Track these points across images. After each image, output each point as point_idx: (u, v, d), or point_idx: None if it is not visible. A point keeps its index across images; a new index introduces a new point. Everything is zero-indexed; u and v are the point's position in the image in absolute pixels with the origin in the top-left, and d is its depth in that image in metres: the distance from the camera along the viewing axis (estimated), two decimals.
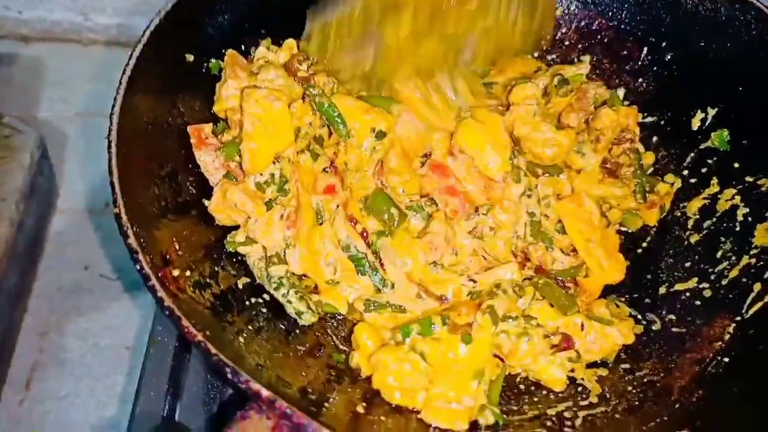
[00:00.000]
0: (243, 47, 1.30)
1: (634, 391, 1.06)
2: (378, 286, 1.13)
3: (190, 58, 1.19)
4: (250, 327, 1.02)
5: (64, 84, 2.04)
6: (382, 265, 1.12)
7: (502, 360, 1.06)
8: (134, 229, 0.88)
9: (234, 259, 1.12)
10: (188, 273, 0.98)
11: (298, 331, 1.09)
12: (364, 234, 1.15)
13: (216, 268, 1.08)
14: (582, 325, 1.07)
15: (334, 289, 1.13)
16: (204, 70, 1.22)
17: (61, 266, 1.73)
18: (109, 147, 0.95)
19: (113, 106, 1.00)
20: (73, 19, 2.10)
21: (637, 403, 1.04)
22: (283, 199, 1.10)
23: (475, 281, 1.10)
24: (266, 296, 1.11)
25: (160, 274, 0.87)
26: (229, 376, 0.76)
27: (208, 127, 1.18)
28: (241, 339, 0.97)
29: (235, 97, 1.17)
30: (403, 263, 1.12)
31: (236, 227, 1.12)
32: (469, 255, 1.15)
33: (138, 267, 0.83)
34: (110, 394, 1.55)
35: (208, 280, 1.03)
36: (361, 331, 1.07)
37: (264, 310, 1.09)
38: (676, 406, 1.01)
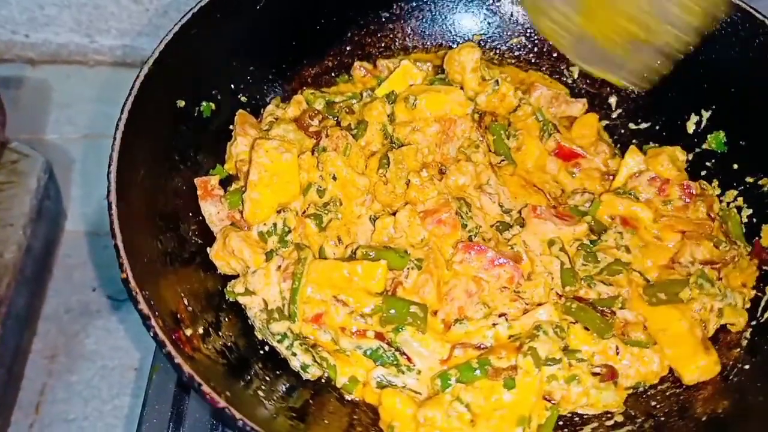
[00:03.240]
0: (233, 86, 1.29)
1: (658, 406, 1.05)
2: (403, 370, 1.02)
3: (181, 104, 1.17)
4: (266, 378, 1.00)
5: (71, 106, 2.03)
6: (408, 359, 1.01)
7: (551, 402, 1.01)
8: (144, 293, 0.86)
9: (239, 308, 1.09)
10: (201, 330, 0.96)
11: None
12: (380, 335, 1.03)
13: (224, 318, 1.06)
14: (617, 350, 1.04)
15: (344, 357, 1.03)
16: (196, 114, 1.21)
17: (69, 289, 1.73)
18: (110, 208, 0.92)
19: (109, 164, 0.97)
20: (79, 41, 2.10)
21: (663, 419, 1.02)
22: (284, 251, 1.07)
23: (506, 315, 1.05)
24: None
25: (174, 337, 0.85)
26: None
27: (214, 179, 1.17)
28: (260, 393, 0.95)
29: (245, 153, 1.16)
30: (432, 352, 1.01)
31: (237, 276, 1.10)
32: (507, 302, 1.06)
33: (152, 334, 0.81)
34: (118, 416, 1.57)
35: (219, 333, 1.01)
36: (391, 396, 0.98)
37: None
38: (703, 419, 1.00)
